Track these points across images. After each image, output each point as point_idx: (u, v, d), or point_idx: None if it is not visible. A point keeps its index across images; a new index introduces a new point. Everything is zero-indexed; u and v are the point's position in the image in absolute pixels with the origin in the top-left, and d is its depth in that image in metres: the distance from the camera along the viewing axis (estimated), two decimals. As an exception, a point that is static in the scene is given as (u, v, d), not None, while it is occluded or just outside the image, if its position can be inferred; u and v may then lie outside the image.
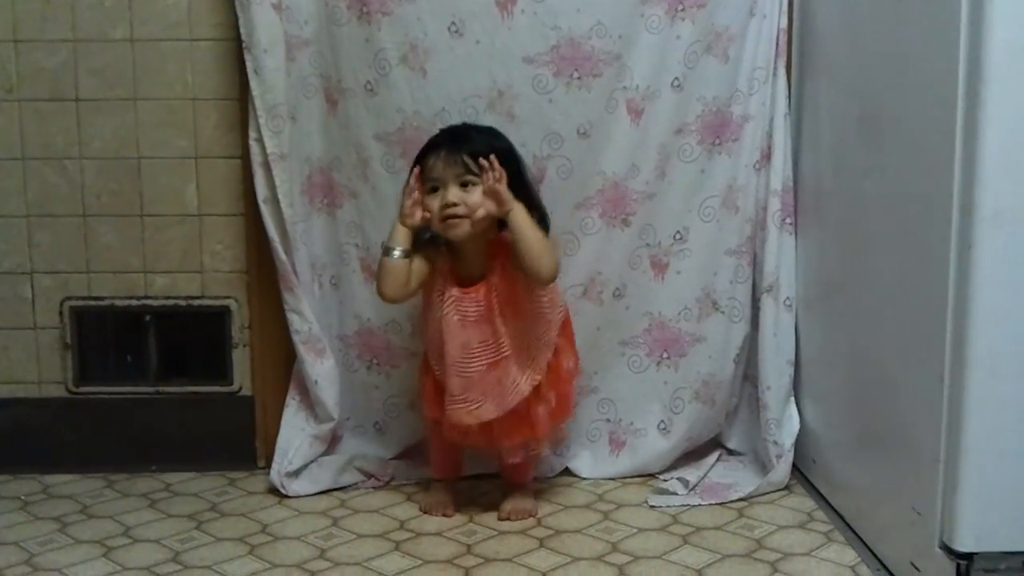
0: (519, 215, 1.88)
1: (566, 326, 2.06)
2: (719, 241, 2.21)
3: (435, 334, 1.96)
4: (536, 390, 1.96)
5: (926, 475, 1.58)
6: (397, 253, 1.93)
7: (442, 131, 1.99)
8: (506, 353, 1.92)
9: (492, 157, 1.88)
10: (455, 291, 1.94)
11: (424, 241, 1.99)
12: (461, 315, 1.93)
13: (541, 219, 1.97)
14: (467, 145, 1.91)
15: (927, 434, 1.58)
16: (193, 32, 2.21)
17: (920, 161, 1.62)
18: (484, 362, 1.92)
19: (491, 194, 1.88)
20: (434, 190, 1.92)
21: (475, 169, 1.89)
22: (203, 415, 2.31)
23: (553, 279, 1.93)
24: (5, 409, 2.31)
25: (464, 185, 1.90)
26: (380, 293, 1.96)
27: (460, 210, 1.89)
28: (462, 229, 1.91)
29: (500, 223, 1.95)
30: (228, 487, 2.22)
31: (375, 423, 2.29)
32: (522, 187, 1.95)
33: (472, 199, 1.89)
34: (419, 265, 1.97)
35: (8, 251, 2.28)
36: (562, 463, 2.27)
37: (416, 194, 1.93)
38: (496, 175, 1.87)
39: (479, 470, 2.20)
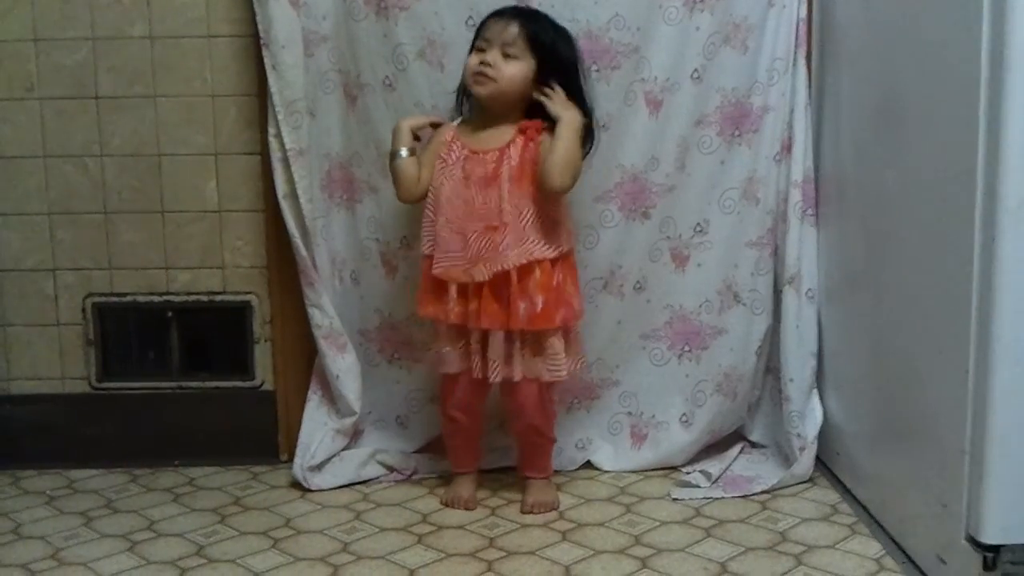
0: (568, 127, 1.91)
1: (568, 263, 2.02)
2: (740, 233, 2.20)
3: (441, 195, 1.97)
4: (522, 285, 1.93)
5: (952, 467, 1.57)
6: (404, 153, 1.99)
7: (514, 6, 2.02)
8: (506, 220, 1.92)
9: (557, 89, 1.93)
10: (467, 151, 1.97)
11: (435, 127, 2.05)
12: (467, 174, 1.96)
13: (585, 115, 1.97)
14: (528, 24, 1.94)
15: (952, 425, 1.57)
16: (211, 29, 2.21)
17: (943, 151, 1.61)
18: (482, 224, 1.93)
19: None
20: (480, 50, 1.95)
21: (523, 46, 1.92)
22: (225, 410, 2.32)
23: (559, 193, 1.93)
24: (29, 405, 2.32)
25: (506, 55, 1.93)
26: (399, 198, 2.02)
27: (490, 71, 1.92)
28: (486, 88, 1.93)
29: (529, 110, 1.97)
30: (251, 481, 2.23)
31: (397, 417, 2.29)
32: (575, 87, 1.97)
33: (507, 69, 1.92)
34: (428, 159, 2.01)
35: (31, 248, 2.29)
36: (584, 456, 2.27)
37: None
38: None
39: (501, 463, 2.20)
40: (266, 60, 2.10)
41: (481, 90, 1.94)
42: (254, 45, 2.15)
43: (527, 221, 1.93)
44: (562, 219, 1.99)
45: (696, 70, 2.11)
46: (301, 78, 2.12)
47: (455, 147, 1.99)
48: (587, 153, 1.99)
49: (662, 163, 2.14)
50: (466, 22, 2.06)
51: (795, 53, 2.17)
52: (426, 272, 1.99)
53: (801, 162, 2.17)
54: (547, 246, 1.95)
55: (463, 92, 2.03)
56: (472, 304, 1.94)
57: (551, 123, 1.94)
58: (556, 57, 1.96)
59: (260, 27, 2.10)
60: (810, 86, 2.19)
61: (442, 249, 1.95)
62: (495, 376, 1.96)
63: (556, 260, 1.97)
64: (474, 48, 1.97)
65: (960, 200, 1.53)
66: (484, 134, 1.99)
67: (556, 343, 1.97)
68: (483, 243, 1.92)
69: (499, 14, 1.97)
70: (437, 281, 1.97)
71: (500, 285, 1.93)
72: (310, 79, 2.14)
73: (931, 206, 1.66)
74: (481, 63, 1.93)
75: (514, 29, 1.93)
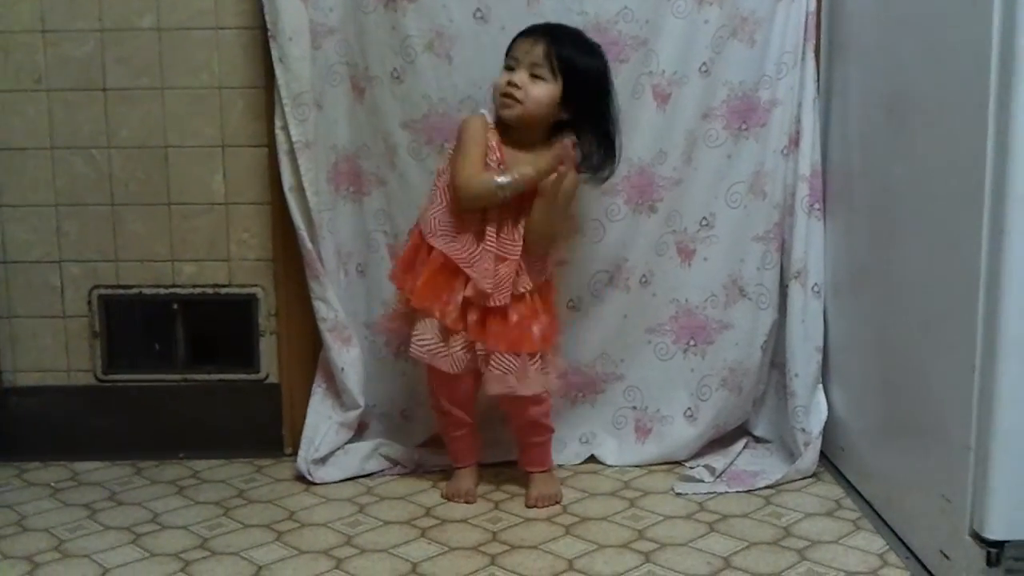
0: (543, 204, 1.91)
1: (548, 285, 2.05)
2: (746, 227, 2.20)
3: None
4: (506, 310, 1.96)
5: (956, 463, 1.57)
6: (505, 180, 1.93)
7: (546, 24, 2.00)
8: (513, 256, 1.95)
9: (571, 146, 1.92)
10: (504, 166, 1.95)
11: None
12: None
13: (608, 150, 1.99)
14: (559, 46, 1.93)
15: (957, 421, 1.56)
16: (219, 21, 2.21)
17: (951, 145, 1.60)
18: (490, 251, 1.95)
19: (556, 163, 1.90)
20: (509, 68, 1.95)
21: (552, 67, 1.91)
22: (230, 403, 2.32)
23: (540, 254, 1.98)
24: (35, 397, 2.33)
25: (534, 76, 1.92)
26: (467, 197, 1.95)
27: (518, 93, 1.92)
28: (513, 111, 1.93)
29: (552, 132, 1.98)
30: (255, 474, 2.23)
31: (401, 410, 2.29)
32: (600, 116, 1.98)
33: (534, 90, 1.92)
34: (480, 154, 1.98)
35: (37, 240, 2.29)
36: (588, 450, 2.27)
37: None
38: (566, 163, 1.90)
39: (504, 458, 2.20)
40: (273, 52, 2.10)
41: (509, 113, 1.94)
42: (261, 37, 2.15)
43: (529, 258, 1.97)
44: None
45: (704, 63, 2.11)
46: (308, 70, 2.12)
47: (495, 156, 1.97)
48: (607, 177, 2.02)
49: (669, 156, 2.13)
50: (474, 14, 2.06)
51: (804, 47, 2.16)
52: (429, 261, 1.98)
53: (808, 156, 2.16)
54: (535, 276, 1.99)
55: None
56: (471, 317, 1.96)
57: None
58: (583, 79, 1.95)
59: (268, 19, 2.10)
60: (818, 80, 2.18)
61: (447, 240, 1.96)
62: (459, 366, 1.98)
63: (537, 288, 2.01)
64: (504, 66, 1.96)
65: (968, 195, 1.52)
66: (518, 155, 1.97)
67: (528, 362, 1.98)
68: (485, 268, 1.94)
69: (530, 32, 1.96)
70: (439, 276, 1.97)
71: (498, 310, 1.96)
72: (317, 71, 2.14)
73: (939, 201, 1.65)
74: (509, 83, 1.93)
75: (541, 49, 1.92)
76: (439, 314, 1.96)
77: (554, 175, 1.90)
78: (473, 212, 1.95)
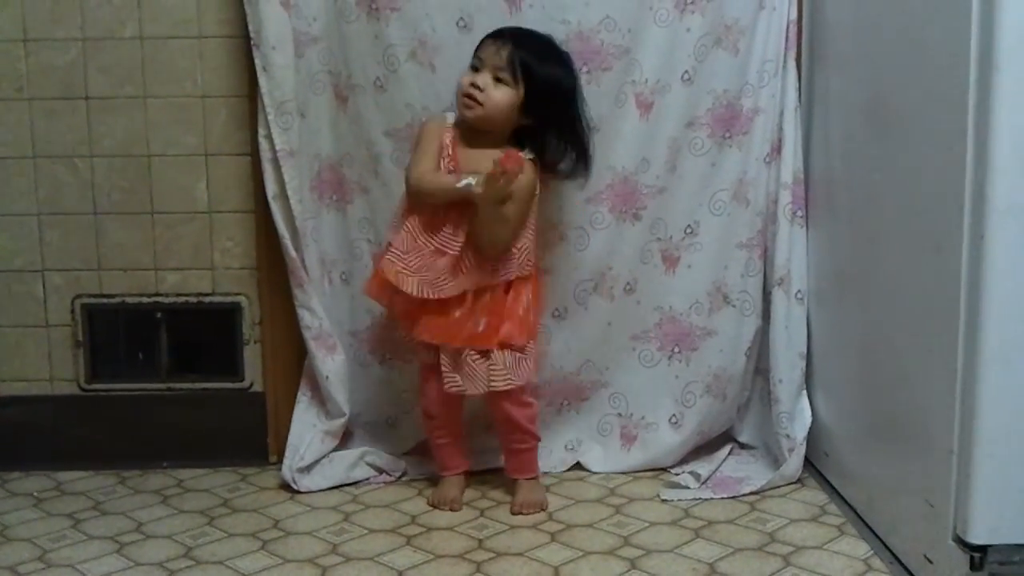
0: (485, 209, 1.90)
1: (527, 285, 2.03)
2: (730, 234, 2.21)
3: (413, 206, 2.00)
4: (473, 306, 1.98)
5: (939, 467, 1.58)
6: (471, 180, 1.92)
7: (516, 28, 2.00)
8: (455, 252, 1.95)
9: (513, 161, 1.85)
10: (453, 164, 1.98)
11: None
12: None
13: (580, 157, 2.01)
14: (523, 53, 1.94)
15: (940, 426, 1.57)
16: (202, 29, 2.21)
17: (932, 152, 1.61)
18: (436, 246, 1.96)
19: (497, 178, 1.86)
20: (474, 69, 1.96)
21: (514, 72, 1.92)
22: (214, 411, 2.32)
23: (498, 255, 1.97)
24: (17, 406, 2.32)
25: (497, 78, 1.93)
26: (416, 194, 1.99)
27: (479, 95, 1.93)
28: (473, 112, 1.95)
29: (517, 140, 1.99)
30: (240, 483, 2.22)
31: (387, 419, 2.29)
32: (566, 124, 1.99)
33: (495, 95, 1.93)
34: (433, 150, 2.01)
35: (20, 249, 2.28)
36: (573, 457, 2.27)
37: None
38: (506, 176, 1.85)
39: (488, 465, 2.20)
40: (257, 61, 2.10)
41: (468, 113, 1.96)
42: (245, 46, 2.15)
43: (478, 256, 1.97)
44: (516, 250, 1.99)
45: (687, 72, 2.12)
46: (292, 79, 2.12)
47: (447, 154, 2.00)
48: (584, 182, 2.05)
49: (653, 165, 2.14)
50: (457, 23, 2.07)
51: (785, 55, 2.17)
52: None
53: (791, 164, 2.18)
54: (495, 274, 1.99)
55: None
56: (424, 318, 1.99)
57: (539, 147, 1.99)
58: (545, 88, 1.95)
59: (251, 28, 2.10)
60: (800, 88, 2.20)
61: (400, 251, 1.99)
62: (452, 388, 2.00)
63: (508, 286, 2.00)
64: (470, 65, 1.98)
65: (949, 201, 1.53)
66: (473, 154, 1.98)
67: (499, 357, 1.99)
68: (437, 266, 1.95)
69: (498, 34, 1.97)
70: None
71: (453, 303, 1.98)
72: (301, 80, 2.14)
73: (920, 207, 1.67)
74: (471, 85, 1.94)
75: (506, 54, 1.93)
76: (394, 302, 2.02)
77: (485, 187, 1.87)
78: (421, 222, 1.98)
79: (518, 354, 2.00)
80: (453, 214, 1.95)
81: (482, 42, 1.98)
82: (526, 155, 1.95)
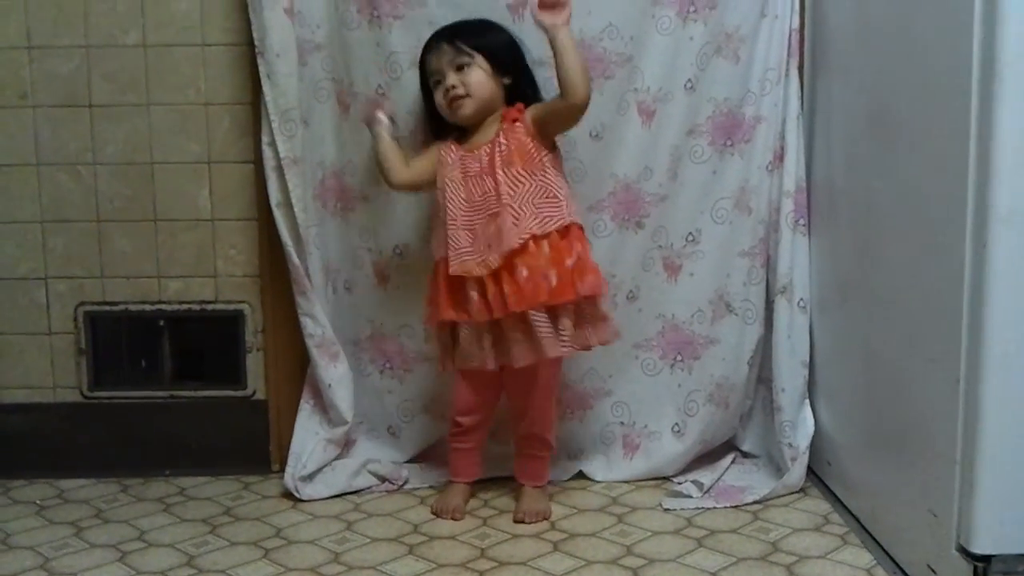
0: (565, 33, 1.90)
1: (577, 234, 1.99)
2: (732, 243, 2.21)
3: (445, 197, 1.99)
4: (534, 263, 1.92)
5: (942, 477, 1.57)
6: (381, 116, 2.04)
7: (436, 31, 2.04)
8: (505, 202, 1.93)
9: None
10: (462, 152, 2.01)
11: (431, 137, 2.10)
12: (464, 171, 1.99)
13: (535, 96, 2.04)
14: (453, 34, 1.99)
15: (943, 435, 1.57)
16: (205, 37, 2.22)
17: (934, 160, 1.61)
18: (485, 214, 1.95)
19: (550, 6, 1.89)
20: (437, 83, 2.01)
21: (467, 52, 1.97)
22: (217, 419, 2.32)
23: (586, 102, 1.93)
24: (20, 414, 2.32)
25: (460, 69, 1.98)
26: (389, 180, 2.05)
27: (460, 90, 1.97)
28: (468, 107, 1.99)
29: (507, 98, 2.02)
30: (242, 491, 2.22)
31: (389, 427, 2.29)
32: (521, 70, 2.03)
33: (470, 78, 1.98)
34: (424, 162, 2.05)
35: (23, 256, 2.29)
36: (576, 466, 2.26)
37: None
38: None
39: (494, 473, 2.20)
40: (261, 69, 2.10)
41: (465, 111, 1.99)
42: (248, 53, 2.15)
43: (523, 199, 1.94)
44: (560, 192, 1.97)
45: (689, 80, 2.12)
46: (295, 87, 2.12)
47: (452, 148, 2.02)
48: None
49: (655, 173, 2.14)
50: (459, 31, 2.07)
51: (787, 63, 2.17)
52: (444, 275, 1.98)
53: (793, 172, 2.17)
54: (548, 220, 1.95)
55: (436, 127, 2.08)
56: (492, 291, 1.93)
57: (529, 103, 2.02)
58: (495, 43, 2.01)
59: (255, 36, 2.10)
60: (802, 96, 2.20)
61: (454, 248, 1.96)
62: (520, 360, 1.95)
63: (565, 233, 1.97)
64: (432, 88, 2.02)
65: (951, 209, 1.53)
66: (475, 136, 2.02)
67: (566, 321, 1.95)
68: (489, 231, 1.94)
69: (427, 47, 2.02)
70: (454, 283, 1.97)
71: (514, 268, 1.92)
72: (304, 88, 2.14)
73: (922, 215, 1.66)
74: (448, 90, 1.98)
75: (447, 48, 1.98)
76: (465, 314, 1.96)
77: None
78: (457, 215, 1.97)
79: (588, 311, 1.99)
80: (488, 180, 1.96)
81: (422, 63, 2.03)
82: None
